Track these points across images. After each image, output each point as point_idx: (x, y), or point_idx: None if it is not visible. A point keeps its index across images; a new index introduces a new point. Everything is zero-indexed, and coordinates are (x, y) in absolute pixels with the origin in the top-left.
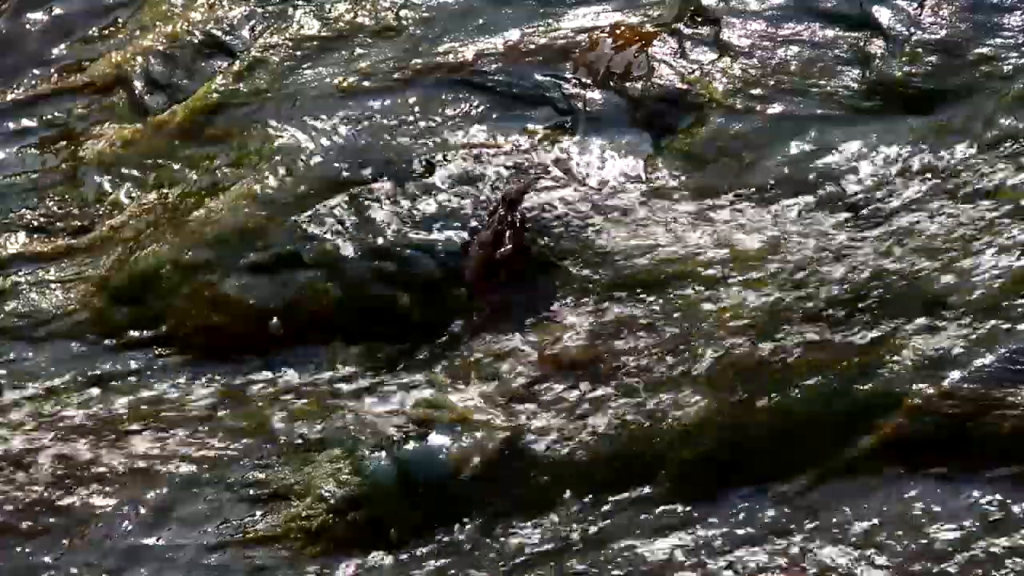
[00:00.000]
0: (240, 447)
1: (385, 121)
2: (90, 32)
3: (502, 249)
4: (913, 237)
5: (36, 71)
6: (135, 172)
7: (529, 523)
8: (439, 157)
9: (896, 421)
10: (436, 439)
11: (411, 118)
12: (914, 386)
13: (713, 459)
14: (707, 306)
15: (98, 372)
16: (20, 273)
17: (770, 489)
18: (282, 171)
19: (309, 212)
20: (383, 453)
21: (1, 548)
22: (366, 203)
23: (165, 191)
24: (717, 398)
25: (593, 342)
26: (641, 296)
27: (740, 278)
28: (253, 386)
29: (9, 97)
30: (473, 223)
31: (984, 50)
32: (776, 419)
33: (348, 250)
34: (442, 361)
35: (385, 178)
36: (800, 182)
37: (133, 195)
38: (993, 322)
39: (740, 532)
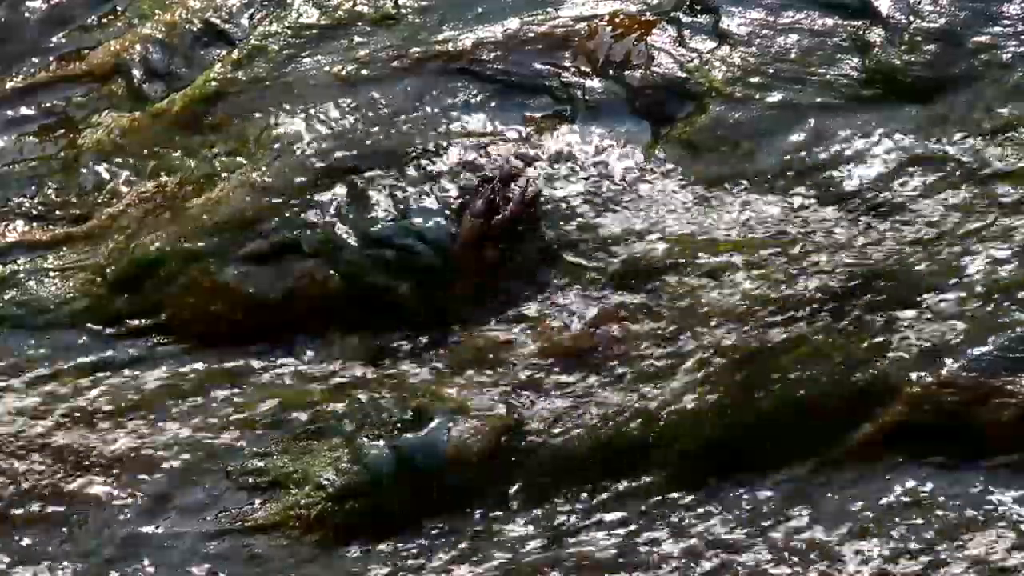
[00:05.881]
0: (239, 436)
1: (384, 110)
2: (89, 20)
3: (494, 221)
4: (912, 226)
5: (35, 59)
6: (134, 160)
7: (528, 512)
8: (438, 146)
9: (895, 409)
10: (435, 428)
11: (410, 106)
12: (913, 375)
13: (712, 448)
14: (706, 294)
15: (96, 360)
16: (18, 261)
17: (769, 478)
18: (281, 160)
19: (308, 201)
20: (382, 442)
21: (0, 536)
22: (365, 192)
23: (164, 180)
24: (716, 387)
25: (592, 330)
26: (640, 284)
27: (739, 266)
28: (252, 374)
29: (8, 85)
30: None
31: (984, 38)
32: (775, 408)
33: (347, 239)
34: (441, 349)
35: (384, 167)
36: (799, 171)
37: (132, 183)
38: (993, 310)
39: (740, 521)
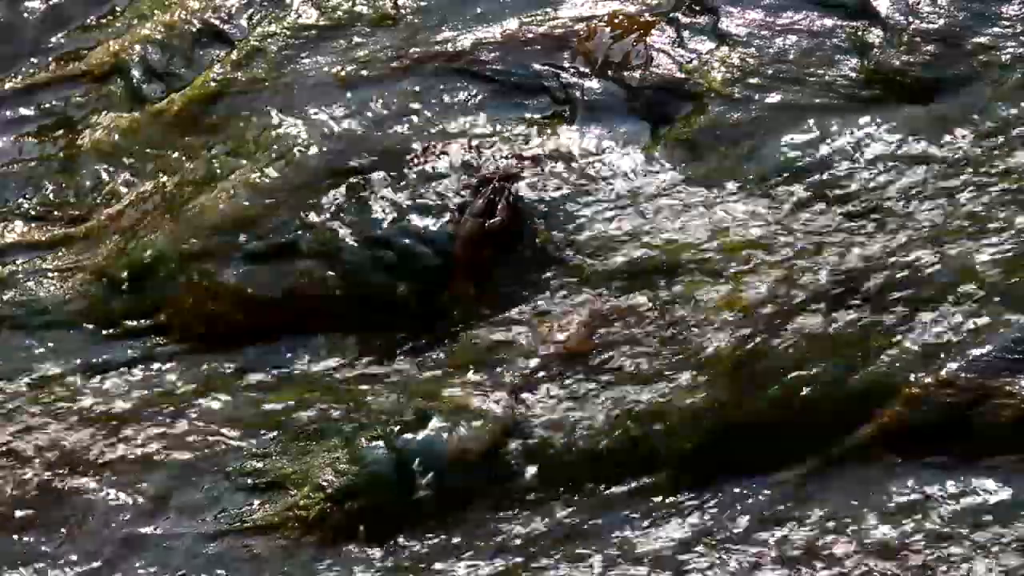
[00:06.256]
0: (238, 436)
1: (383, 110)
2: (88, 20)
3: (493, 220)
4: (911, 226)
5: (33, 59)
6: (133, 161)
7: (527, 513)
8: (437, 146)
9: (895, 410)
10: (434, 428)
11: (409, 107)
12: (913, 375)
13: (712, 448)
14: (705, 295)
15: (95, 361)
16: (17, 262)
17: (769, 478)
18: (280, 160)
19: (307, 201)
20: (381, 442)
21: (0, 536)
22: (364, 192)
23: (163, 180)
24: (716, 387)
25: (590, 331)
26: (639, 285)
27: (738, 267)
28: (251, 375)
29: (7, 85)
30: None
31: (982, 39)
32: (775, 408)
33: (346, 239)
34: (440, 350)
35: (383, 167)
36: (798, 171)
37: (131, 184)
38: (992, 310)
39: (739, 521)
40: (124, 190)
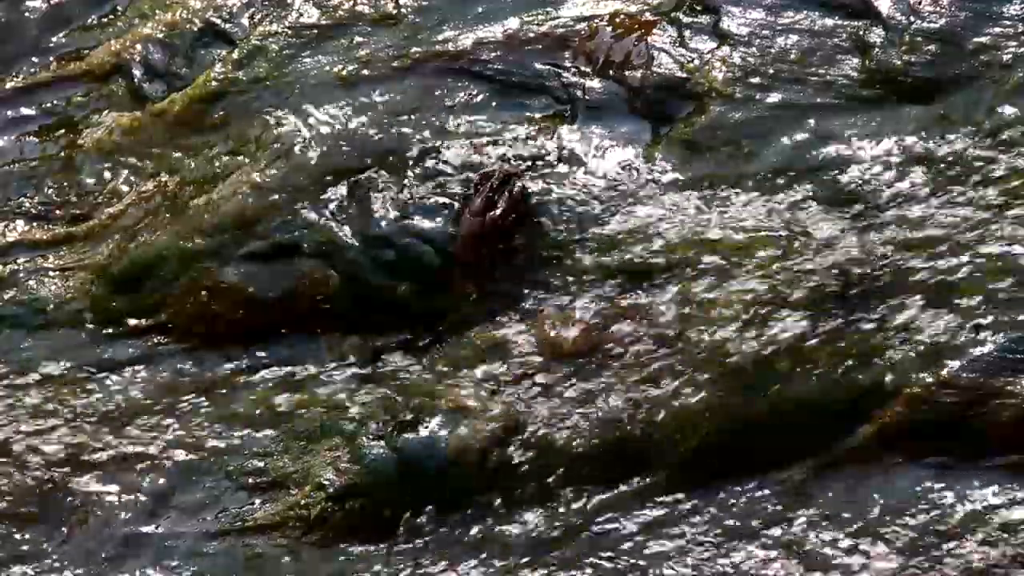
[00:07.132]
0: (239, 435)
1: (384, 110)
2: (89, 20)
3: (493, 219)
4: (912, 226)
5: (35, 59)
6: (134, 160)
7: (527, 513)
8: (438, 146)
9: (895, 410)
10: (435, 428)
11: (410, 106)
12: (913, 376)
13: (712, 449)
14: (706, 295)
15: (96, 360)
16: (19, 261)
17: (769, 479)
18: (281, 160)
19: (308, 200)
20: (381, 442)
21: (1, 535)
22: (365, 192)
23: (164, 179)
24: (716, 387)
25: (591, 331)
26: (639, 285)
27: (739, 267)
28: (251, 375)
29: (8, 85)
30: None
31: (984, 39)
32: (775, 409)
33: (347, 239)
34: (441, 350)
35: (384, 167)
36: (799, 171)
37: (132, 183)
38: (992, 310)
39: (739, 522)
40: (125, 189)
